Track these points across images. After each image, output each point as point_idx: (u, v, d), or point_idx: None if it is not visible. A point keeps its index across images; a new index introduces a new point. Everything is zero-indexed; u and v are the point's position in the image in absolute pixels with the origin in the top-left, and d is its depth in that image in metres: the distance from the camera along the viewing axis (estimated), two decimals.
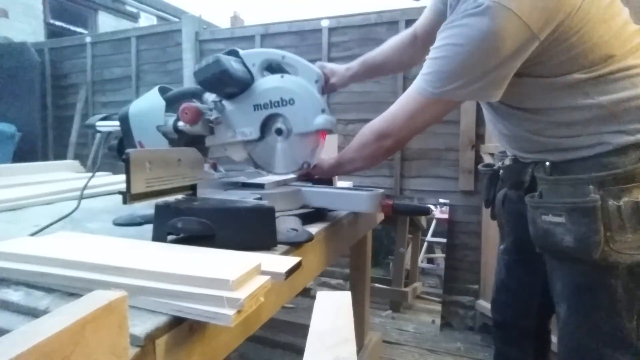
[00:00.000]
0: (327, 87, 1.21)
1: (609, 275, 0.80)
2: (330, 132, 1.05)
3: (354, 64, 1.27)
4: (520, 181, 0.96)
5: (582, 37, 0.76)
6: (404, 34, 1.25)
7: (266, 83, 1.04)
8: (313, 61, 1.09)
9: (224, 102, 1.06)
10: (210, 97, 1.07)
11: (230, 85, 1.02)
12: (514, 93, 0.83)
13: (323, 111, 1.02)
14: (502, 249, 1.16)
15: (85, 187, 1.04)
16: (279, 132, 1.05)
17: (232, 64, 1.00)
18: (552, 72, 0.80)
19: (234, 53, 1.07)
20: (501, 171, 1.07)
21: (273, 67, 1.09)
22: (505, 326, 1.19)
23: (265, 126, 1.07)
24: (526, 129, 0.90)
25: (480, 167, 1.18)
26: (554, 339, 1.07)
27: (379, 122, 0.97)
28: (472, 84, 0.80)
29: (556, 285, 0.91)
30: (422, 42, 1.14)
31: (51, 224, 0.86)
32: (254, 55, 1.07)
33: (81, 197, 1.00)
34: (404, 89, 2.74)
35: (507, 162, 1.02)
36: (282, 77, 1.04)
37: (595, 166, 0.79)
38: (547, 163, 0.86)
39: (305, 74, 1.04)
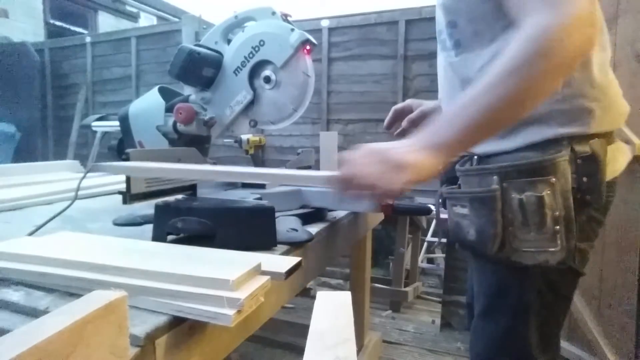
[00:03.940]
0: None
1: (522, 278, 0.74)
2: (308, 42, 1.02)
3: None
4: (454, 177, 0.89)
5: None
6: None
7: (234, 45, 1.06)
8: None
9: (208, 92, 1.07)
10: (194, 94, 1.08)
11: (203, 65, 1.03)
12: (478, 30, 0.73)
13: (292, 30, 1.01)
14: None
15: (79, 185, 1.04)
16: (267, 80, 1.05)
17: (196, 48, 1.03)
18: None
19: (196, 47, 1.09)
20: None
21: (235, 32, 1.10)
22: None
23: (253, 83, 1.07)
24: None
25: None
26: None
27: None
28: None
29: (474, 285, 0.86)
30: None
31: (46, 222, 0.85)
32: (211, 34, 1.10)
33: (76, 195, 1.00)
34: (404, 88, 2.75)
35: None
36: (243, 31, 1.05)
37: (511, 160, 0.73)
38: (475, 157, 0.81)
39: (261, 14, 1.05)
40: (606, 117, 0.71)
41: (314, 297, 0.52)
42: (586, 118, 0.71)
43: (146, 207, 0.88)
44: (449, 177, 0.90)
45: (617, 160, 0.74)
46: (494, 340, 0.81)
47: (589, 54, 0.65)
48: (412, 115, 1.07)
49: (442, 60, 0.86)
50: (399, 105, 1.09)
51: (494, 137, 0.74)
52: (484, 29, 0.75)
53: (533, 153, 0.71)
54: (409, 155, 0.61)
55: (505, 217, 0.71)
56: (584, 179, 0.69)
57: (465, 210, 0.77)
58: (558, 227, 0.68)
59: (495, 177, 0.72)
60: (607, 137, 0.72)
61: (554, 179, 0.68)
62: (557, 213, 0.68)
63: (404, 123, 1.08)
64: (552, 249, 0.68)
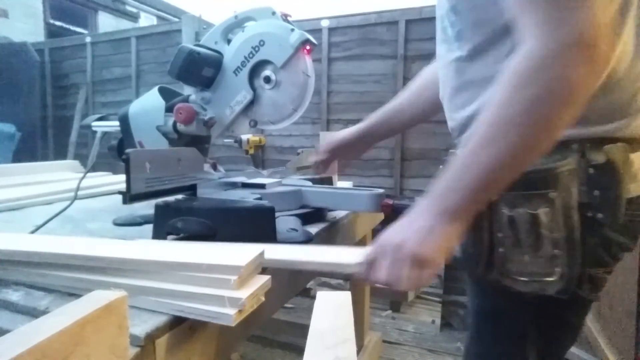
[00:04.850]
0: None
1: (517, 304, 0.65)
2: (308, 42, 1.01)
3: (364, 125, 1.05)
4: None
5: None
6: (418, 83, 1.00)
7: (234, 45, 1.05)
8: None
9: (208, 92, 1.07)
10: (194, 94, 1.08)
11: (204, 64, 1.03)
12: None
13: (292, 30, 1.01)
14: None
15: (79, 185, 1.04)
16: (267, 80, 1.05)
17: (196, 48, 1.03)
18: None
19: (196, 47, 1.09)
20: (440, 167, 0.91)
21: (235, 32, 1.10)
22: None
23: (253, 83, 1.06)
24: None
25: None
26: None
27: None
28: None
29: (469, 304, 0.78)
30: None
31: (46, 222, 0.85)
32: (211, 34, 1.09)
33: (76, 195, 1.00)
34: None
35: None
36: (243, 31, 1.05)
37: None
38: None
39: (261, 14, 1.05)
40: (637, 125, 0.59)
41: (314, 297, 0.52)
42: (610, 118, 0.58)
43: (146, 207, 0.88)
44: None
45: None
46: None
47: (601, 77, 0.52)
48: (323, 147, 1.04)
49: (443, 52, 0.75)
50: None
51: None
52: (483, 20, 0.64)
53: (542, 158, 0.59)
54: (426, 246, 0.56)
55: (494, 236, 0.61)
56: (595, 193, 0.57)
57: None
58: (557, 250, 0.57)
59: None
60: (633, 141, 0.59)
61: (553, 194, 0.57)
62: (557, 234, 0.57)
63: (315, 157, 1.05)
64: (549, 278, 0.58)
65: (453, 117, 0.73)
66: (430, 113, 0.98)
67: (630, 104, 0.58)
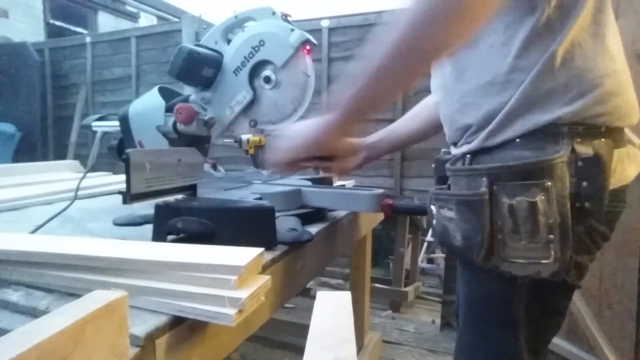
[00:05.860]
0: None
1: (510, 289, 0.69)
2: (308, 42, 1.01)
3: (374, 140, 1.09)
4: (445, 176, 0.80)
5: None
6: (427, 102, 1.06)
7: (234, 45, 1.05)
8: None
9: (208, 92, 1.07)
10: (194, 94, 1.08)
11: (204, 64, 1.03)
12: None
13: (292, 30, 1.01)
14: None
15: (79, 185, 1.04)
16: (267, 80, 1.05)
17: (196, 48, 1.03)
18: None
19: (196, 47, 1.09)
20: (432, 165, 0.95)
21: (235, 32, 1.10)
22: None
23: (253, 83, 1.06)
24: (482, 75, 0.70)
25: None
26: None
27: None
28: None
29: (459, 294, 0.81)
30: None
31: (46, 222, 0.85)
32: (211, 34, 1.09)
33: (76, 195, 1.00)
34: None
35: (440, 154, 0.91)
36: (243, 31, 1.05)
37: (502, 159, 0.66)
38: (468, 156, 0.73)
39: (261, 14, 1.05)
40: (619, 104, 0.64)
41: (314, 297, 0.52)
42: (595, 97, 0.62)
43: (146, 207, 0.88)
44: (440, 177, 0.87)
45: (625, 168, 0.67)
46: (480, 353, 0.76)
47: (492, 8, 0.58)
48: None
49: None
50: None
51: (482, 130, 0.69)
52: None
53: (527, 152, 0.64)
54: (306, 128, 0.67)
55: (494, 224, 0.65)
56: (584, 184, 0.62)
57: (452, 214, 0.71)
58: (552, 236, 0.62)
59: (484, 179, 0.65)
60: (615, 136, 0.65)
61: (549, 183, 0.61)
62: (551, 220, 0.62)
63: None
64: (545, 261, 0.63)
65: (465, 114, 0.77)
66: (427, 132, 1.06)
67: (615, 83, 0.64)
